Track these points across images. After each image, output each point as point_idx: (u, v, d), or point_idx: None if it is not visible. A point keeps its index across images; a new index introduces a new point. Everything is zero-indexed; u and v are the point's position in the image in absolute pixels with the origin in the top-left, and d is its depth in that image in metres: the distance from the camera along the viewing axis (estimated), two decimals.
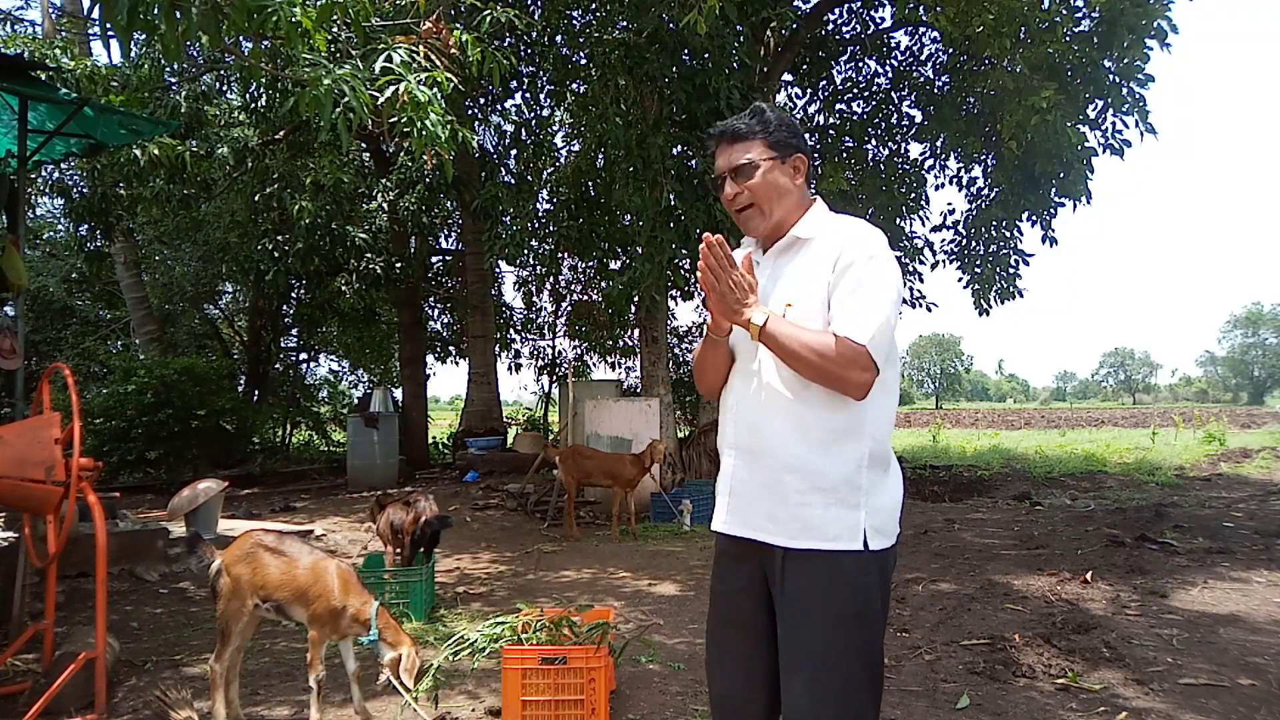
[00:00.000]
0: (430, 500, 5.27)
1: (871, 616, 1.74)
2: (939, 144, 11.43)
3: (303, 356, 17.92)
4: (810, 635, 1.72)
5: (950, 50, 10.79)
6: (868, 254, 1.75)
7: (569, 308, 16.20)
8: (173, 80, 9.18)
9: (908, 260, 12.42)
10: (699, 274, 1.78)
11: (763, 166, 1.85)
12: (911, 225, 12.37)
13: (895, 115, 12.14)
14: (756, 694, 1.86)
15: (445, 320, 18.08)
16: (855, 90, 12.41)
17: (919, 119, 11.72)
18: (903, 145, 12.30)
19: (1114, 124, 8.92)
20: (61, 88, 5.23)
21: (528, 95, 11.29)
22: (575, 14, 9.52)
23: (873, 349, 1.68)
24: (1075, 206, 9.65)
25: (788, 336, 1.71)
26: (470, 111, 11.45)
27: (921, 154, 12.20)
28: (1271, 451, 14.37)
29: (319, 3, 3.59)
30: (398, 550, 5.31)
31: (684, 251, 8.42)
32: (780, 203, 1.87)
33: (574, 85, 10.06)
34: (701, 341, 1.96)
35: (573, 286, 15.99)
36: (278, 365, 16.67)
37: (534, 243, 9.96)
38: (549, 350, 17.64)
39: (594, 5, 9.30)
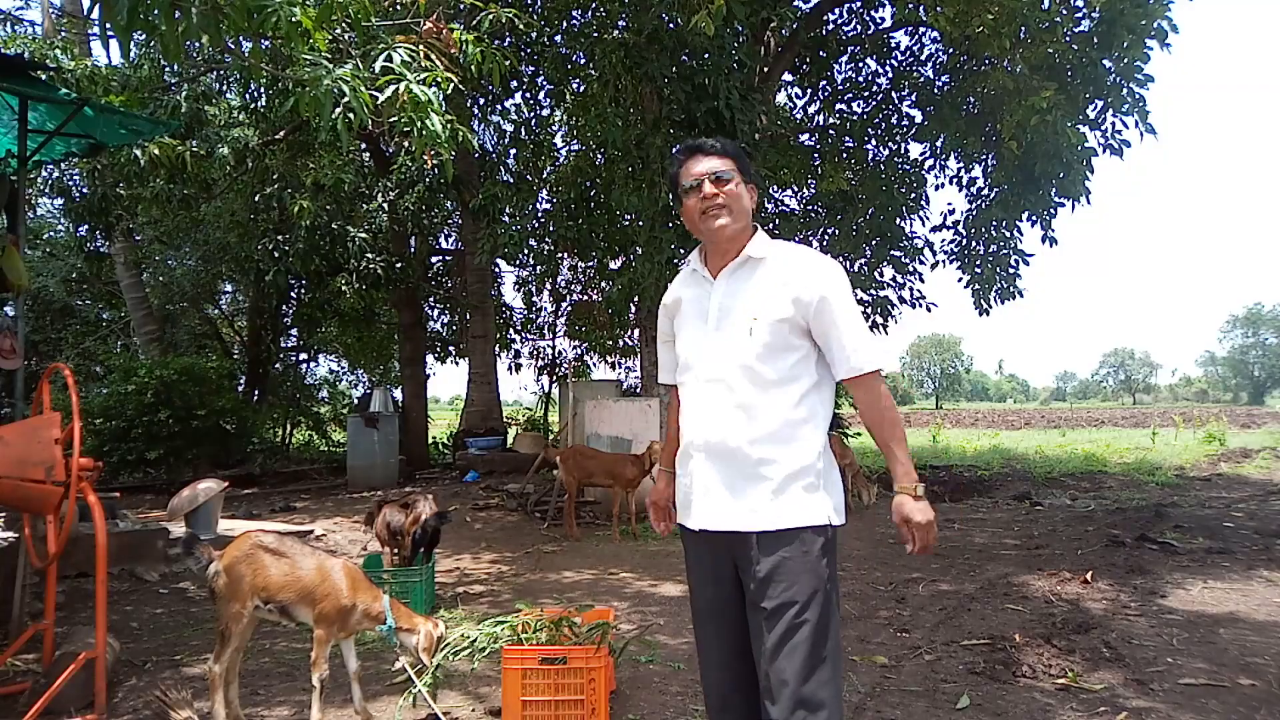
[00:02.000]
0: (429, 500, 5.27)
1: (835, 590, 1.98)
2: (939, 144, 11.40)
3: (303, 356, 17.91)
4: (790, 610, 1.90)
5: (950, 50, 10.77)
6: (832, 284, 2.00)
7: (569, 308, 16.19)
8: (172, 80, 9.18)
9: (908, 260, 12.42)
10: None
11: (736, 178, 2.09)
12: (911, 225, 12.36)
13: (895, 115, 12.12)
14: (740, 686, 2.02)
15: (445, 320, 18.07)
16: (855, 90, 12.40)
17: (919, 119, 11.69)
18: (903, 145, 12.27)
19: (1114, 124, 8.91)
20: (61, 88, 5.23)
21: (528, 95, 11.28)
22: (575, 14, 9.51)
23: (882, 365, 2.04)
24: (1075, 206, 9.64)
25: (906, 454, 2.08)
26: (470, 111, 11.44)
27: (921, 154, 12.18)
28: (1271, 451, 14.37)
29: (319, 3, 3.59)
30: (396, 551, 5.31)
31: (683, 251, 8.42)
32: (743, 215, 2.09)
33: (574, 85, 10.05)
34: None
35: (573, 286, 15.98)
36: (278, 365, 16.65)
37: (533, 243, 9.95)
38: (549, 350, 17.64)
39: (594, 5, 9.30)
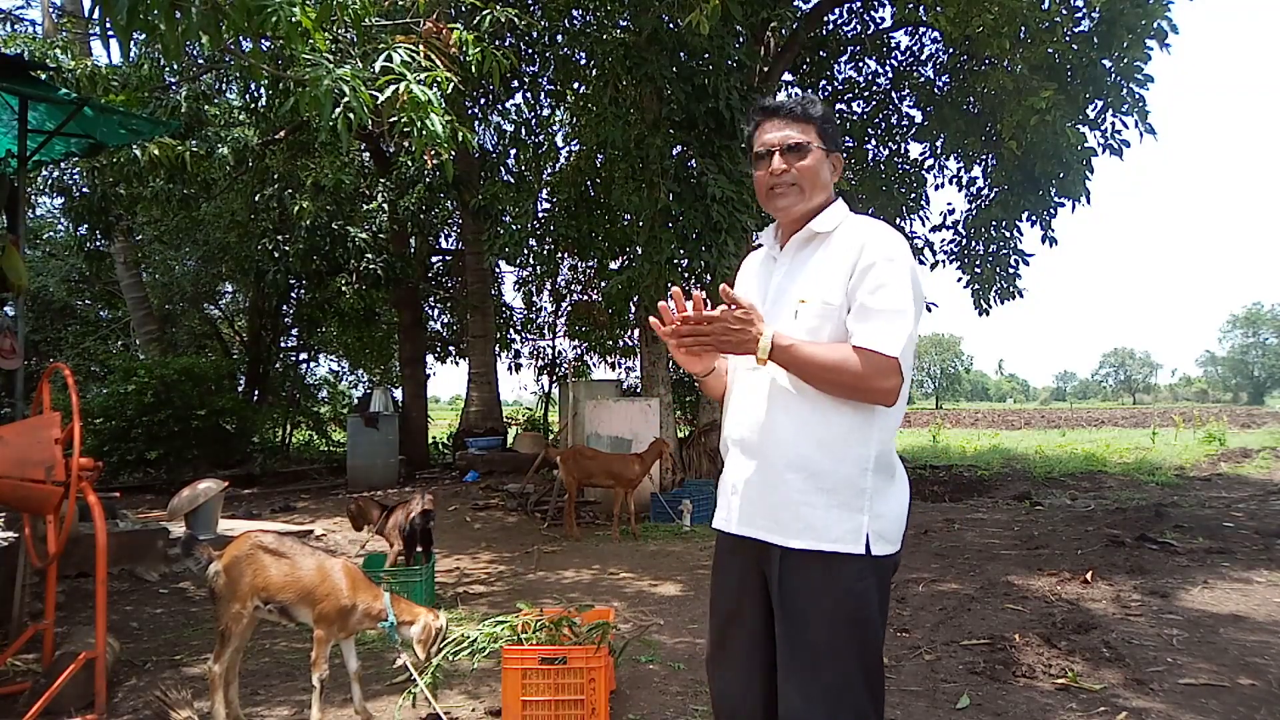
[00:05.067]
0: (423, 499, 5.23)
1: (869, 620, 1.72)
2: (939, 144, 11.43)
3: (303, 356, 17.91)
4: (805, 637, 1.72)
5: (950, 50, 10.79)
6: (887, 257, 1.73)
7: (569, 308, 16.20)
8: (173, 80, 9.18)
9: None
10: (676, 347, 1.76)
11: (815, 149, 1.85)
12: (911, 225, 12.38)
13: (895, 115, 12.16)
14: (753, 692, 1.85)
15: (445, 320, 18.08)
16: (855, 90, 12.42)
17: (919, 119, 11.72)
18: (903, 145, 12.31)
19: (1114, 124, 8.93)
20: (61, 88, 5.23)
21: (528, 95, 11.29)
22: (575, 14, 9.52)
23: (902, 358, 1.69)
24: (1075, 206, 9.66)
25: (803, 357, 1.70)
26: (470, 111, 11.45)
27: (921, 154, 12.22)
28: (1271, 451, 14.37)
29: (319, 3, 3.59)
30: (400, 553, 5.31)
31: (682, 252, 8.43)
32: (818, 192, 1.86)
33: (574, 85, 10.05)
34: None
35: (573, 286, 15.99)
36: (278, 365, 16.66)
37: (534, 243, 9.96)
38: (549, 350, 17.65)
39: (594, 5, 9.31)
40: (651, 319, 1.79)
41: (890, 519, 1.76)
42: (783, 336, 1.70)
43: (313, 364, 18.70)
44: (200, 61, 9.55)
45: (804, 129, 1.85)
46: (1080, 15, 8.47)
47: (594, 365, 17.52)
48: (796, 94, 1.92)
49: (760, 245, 2.05)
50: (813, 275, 1.81)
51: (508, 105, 12.19)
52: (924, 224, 12.34)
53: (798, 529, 1.72)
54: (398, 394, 14.71)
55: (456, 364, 19.20)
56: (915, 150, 12.31)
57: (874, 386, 1.68)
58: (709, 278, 8.19)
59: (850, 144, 12.09)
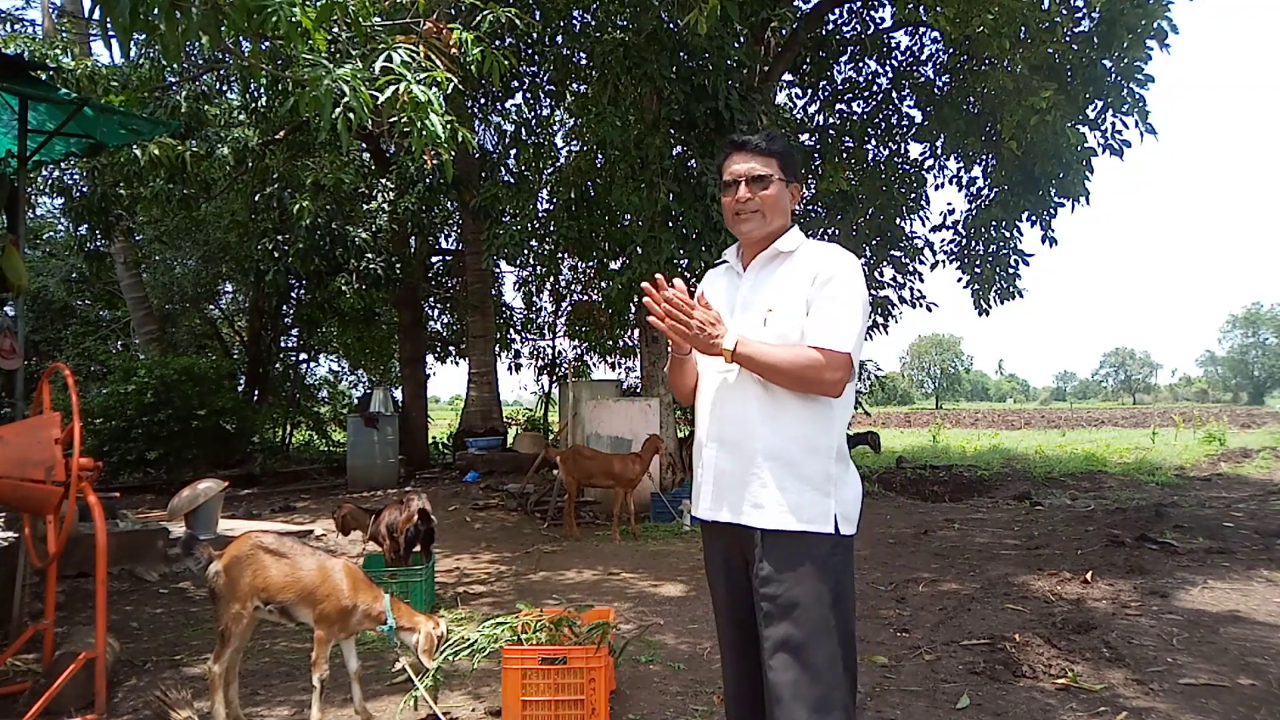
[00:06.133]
0: (420, 500, 5.22)
1: (843, 597, 1.93)
2: (939, 144, 11.42)
3: (303, 356, 17.90)
4: (788, 612, 1.88)
5: (950, 50, 10.78)
6: (844, 273, 1.99)
7: (569, 308, 16.18)
8: (173, 80, 9.18)
9: (908, 260, 12.41)
10: (661, 324, 1.95)
11: (776, 180, 2.08)
12: (911, 225, 12.38)
13: (895, 115, 12.13)
14: (751, 680, 2.01)
15: (445, 320, 18.06)
16: (855, 90, 12.41)
17: (919, 119, 11.71)
18: (903, 145, 12.29)
19: (1114, 124, 8.92)
20: (61, 88, 5.23)
21: (528, 95, 11.28)
22: (575, 14, 9.51)
23: (853, 355, 1.93)
24: (1075, 206, 9.65)
25: (761, 354, 1.93)
26: (470, 111, 11.44)
27: (921, 154, 12.21)
28: (1271, 451, 14.37)
29: (319, 3, 3.59)
30: (394, 552, 5.31)
31: (682, 252, 8.43)
32: (778, 218, 2.09)
33: (574, 85, 10.04)
34: (670, 360, 2.18)
35: (573, 286, 15.97)
36: (278, 365, 16.65)
37: (534, 243, 9.95)
38: (549, 350, 17.64)
39: (594, 5, 9.30)
40: (647, 293, 1.97)
41: (850, 503, 1.99)
42: (746, 338, 1.95)
43: (313, 364, 18.70)
44: (200, 61, 9.55)
45: (767, 162, 2.07)
46: (1080, 15, 8.47)
47: (594, 365, 17.52)
48: (771, 124, 2.11)
49: (723, 262, 2.23)
50: (779, 287, 2.04)
51: (508, 105, 12.18)
52: (924, 224, 12.34)
53: (777, 511, 1.92)
54: (398, 394, 14.71)
55: (456, 364, 19.21)
56: (915, 150, 12.31)
57: (824, 379, 1.91)
58: None
59: (850, 144, 12.08)
